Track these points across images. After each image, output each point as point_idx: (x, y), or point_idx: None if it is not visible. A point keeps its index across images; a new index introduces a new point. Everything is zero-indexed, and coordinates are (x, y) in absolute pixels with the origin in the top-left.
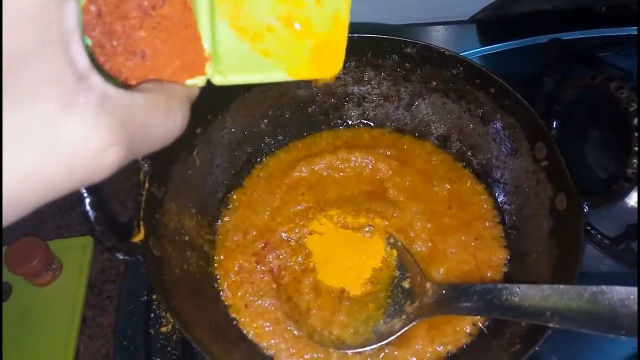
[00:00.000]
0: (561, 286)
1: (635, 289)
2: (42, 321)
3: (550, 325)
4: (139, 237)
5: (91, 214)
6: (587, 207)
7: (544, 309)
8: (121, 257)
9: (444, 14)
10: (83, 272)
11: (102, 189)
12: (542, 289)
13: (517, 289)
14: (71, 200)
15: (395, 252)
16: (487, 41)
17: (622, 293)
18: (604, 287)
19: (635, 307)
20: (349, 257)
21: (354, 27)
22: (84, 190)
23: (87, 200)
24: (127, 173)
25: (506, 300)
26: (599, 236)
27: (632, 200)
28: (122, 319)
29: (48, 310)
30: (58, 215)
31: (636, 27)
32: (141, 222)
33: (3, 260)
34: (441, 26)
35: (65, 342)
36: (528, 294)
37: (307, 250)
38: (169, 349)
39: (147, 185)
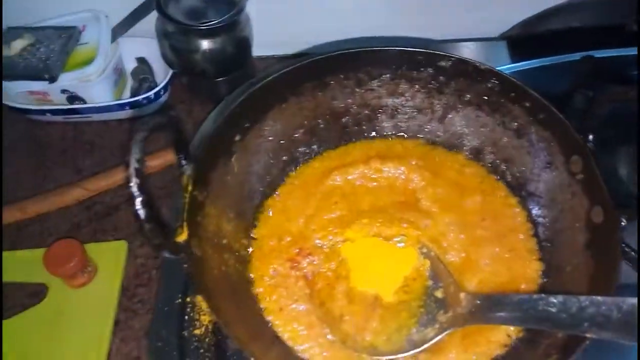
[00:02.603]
0: (599, 297)
1: None
2: (77, 322)
3: (588, 335)
4: (182, 237)
5: (142, 212)
6: (624, 220)
7: (582, 319)
8: (167, 255)
9: (474, 31)
10: (117, 276)
11: None
12: (579, 300)
13: (554, 300)
14: (108, 206)
15: (428, 262)
16: (517, 58)
17: None
18: None
19: None
20: (381, 265)
21: (389, 41)
22: (136, 190)
23: (139, 199)
24: (161, 182)
25: (543, 310)
26: (632, 253)
27: None
28: (157, 321)
29: (82, 312)
30: (94, 220)
31: None
32: (184, 223)
33: (42, 260)
34: (471, 42)
35: (98, 343)
36: (565, 305)
37: (340, 257)
38: (202, 351)
39: (190, 188)
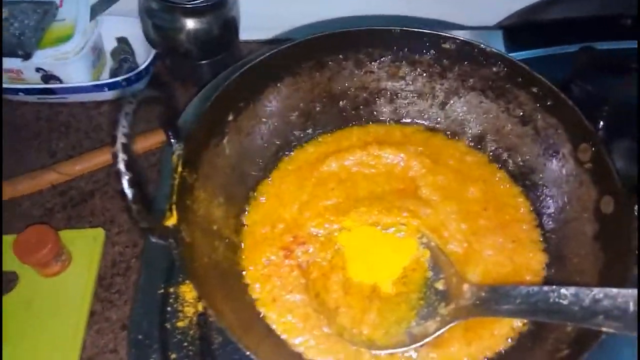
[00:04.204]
0: (614, 290)
1: None
2: (49, 313)
3: (603, 329)
4: (171, 221)
5: (129, 192)
6: (636, 210)
7: (595, 312)
8: (154, 240)
9: (469, 19)
10: (93, 265)
11: None
12: (592, 292)
13: (565, 292)
14: (84, 191)
15: (428, 252)
16: (513, 48)
17: None
18: None
19: None
20: (379, 255)
21: (388, 20)
22: (122, 167)
23: (126, 178)
24: (146, 164)
25: (553, 303)
26: None
27: None
28: (137, 312)
29: (55, 302)
30: (69, 205)
31: None
32: (173, 206)
33: (12, 248)
34: (467, 31)
35: (72, 335)
36: (577, 297)
37: (336, 247)
38: (185, 344)
39: (179, 169)
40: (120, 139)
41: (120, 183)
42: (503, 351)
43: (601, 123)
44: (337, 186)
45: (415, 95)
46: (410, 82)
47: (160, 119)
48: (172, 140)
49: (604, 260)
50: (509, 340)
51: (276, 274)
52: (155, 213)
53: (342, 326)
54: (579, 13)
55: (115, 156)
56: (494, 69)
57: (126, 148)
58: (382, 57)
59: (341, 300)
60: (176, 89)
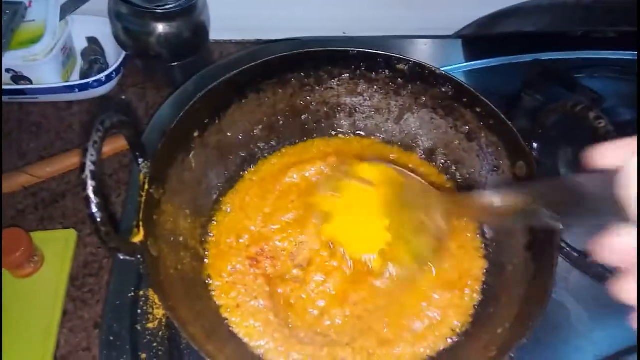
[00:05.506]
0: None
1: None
2: (23, 313)
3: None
4: (138, 238)
5: (97, 215)
6: (562, 225)
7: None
8: (122, 257)
9: (429, 27)
10: (65, 265)
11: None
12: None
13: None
14: (55, 192)
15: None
16: (471, 57)
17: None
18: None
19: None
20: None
21: (346, 40)
22: (91, 193)
23: (94, 203)
24: (110, 169)
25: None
26: (567, 248)
27: None
28: (108, 314)
29: (29, 303)
30: (41, 207)
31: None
32: (141, 223)
33: None
34: (427, 40)
35: (45, 335)
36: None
37: (298, 255)
38: (155, 344)
39: (146, 186)
40: (89, 167)
41: (90, 208)
42: (444, 350)
43: (535, 144)
44: (298, 198)
45: (372, 110)
46: (368, 98)
47: (127, 140)
48: (139, 160)
49: (533, 270)
50: (449, 340)
51: (241, 281)
52: (123, 231)
53: (300, 329)
54: (532, 25)
55: (84, 184)
56: (443, 89)
57: (95, 175)
58: (341, 75)
59: (302, 306)
60: (148, 89)
